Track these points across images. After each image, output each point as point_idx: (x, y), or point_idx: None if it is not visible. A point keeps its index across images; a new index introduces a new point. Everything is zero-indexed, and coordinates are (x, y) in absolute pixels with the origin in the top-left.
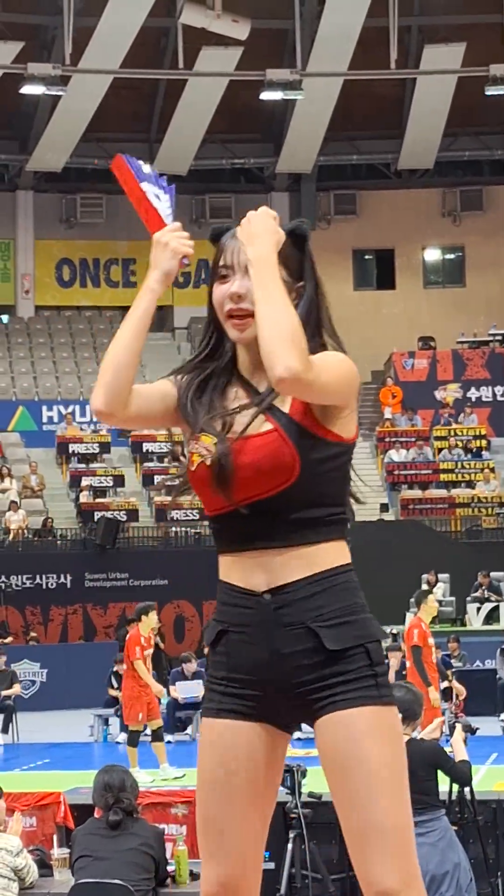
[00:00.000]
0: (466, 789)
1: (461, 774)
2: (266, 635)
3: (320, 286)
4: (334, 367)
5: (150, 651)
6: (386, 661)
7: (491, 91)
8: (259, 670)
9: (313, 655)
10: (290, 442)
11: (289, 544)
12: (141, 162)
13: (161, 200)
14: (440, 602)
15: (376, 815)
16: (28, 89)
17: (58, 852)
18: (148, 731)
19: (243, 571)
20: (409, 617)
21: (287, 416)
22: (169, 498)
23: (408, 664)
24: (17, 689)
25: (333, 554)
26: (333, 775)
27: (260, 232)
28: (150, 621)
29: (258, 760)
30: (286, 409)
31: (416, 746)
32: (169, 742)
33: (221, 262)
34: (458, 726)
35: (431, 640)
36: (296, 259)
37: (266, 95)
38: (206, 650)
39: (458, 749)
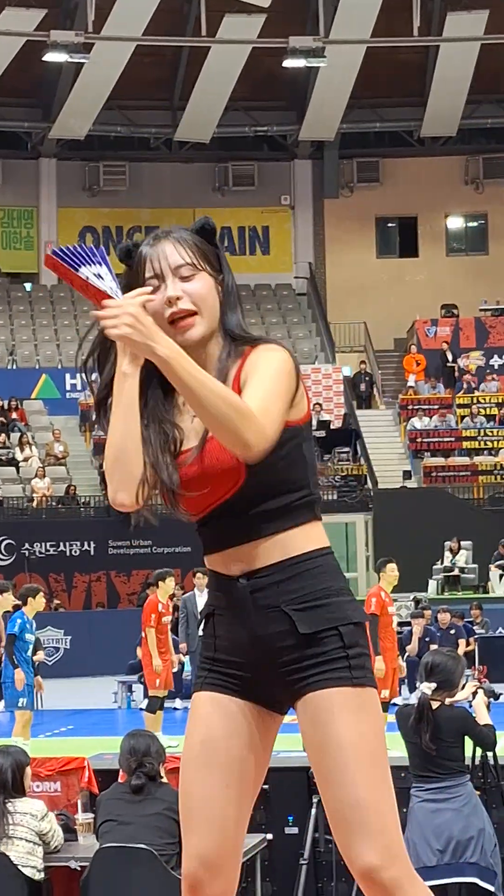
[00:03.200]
0: (490, 754)
1: (487, 738)
2: (244, 618)
3: (232, 275)
4: (275, 386)
5: (170, 618)
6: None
7: None
8: (240, 651)
9: (287, 638)
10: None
11: (259, 536)
12: (71, 247)
13: (103, 278)
14: (462, 569)
15: (350, 792)
16: (51, 57)
17: (82, 817)
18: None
19: (224, 562)
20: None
21: None
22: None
23: None
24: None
25: (306, 538)
26: (311, 756)
27: (152, 327)
28: (168, 587)
29: (242, 737)
30: None
31: (445, 713)
32: (187, 708)
33: (148, 275)
34: (481, 691)
35: (392, 609)
36: (212, 253)
37: (289, 63)
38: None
39: (480, 713)
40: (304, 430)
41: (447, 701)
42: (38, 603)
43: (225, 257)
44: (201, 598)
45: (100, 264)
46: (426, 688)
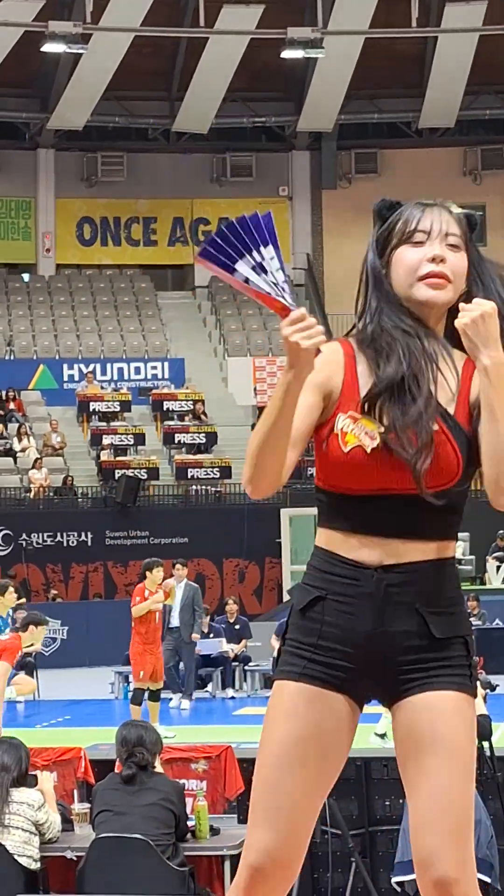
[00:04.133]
0: (486, 744)
1: (480, 728)
2: (372, 610)
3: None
4: None
5: (159, 606)
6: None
7: None
8: (357, 643)
9: (417, 638)
10: (457, 448)
11: (420, 538)
12: (226, 228)
13: (264, 268)
14: (459, 561)
15: (447, 798)
16: (49, 47)
17: (78, 807)
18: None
19: (359, 548)
20: None
21: (455, 422)
22: (189, 456)
23: None
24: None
25: (450, 548)
26: (411, 753)
27: (494, 334)
28: (156, 577)
29: (331, 731)
30: (452, 410)
31: None
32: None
33: (418, 227)
34: (478, 684)
35: None
36: (472, 244)
37: (287, 54)
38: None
39: (477, 707)
40: None
41: None
42: (7, 599)
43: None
44: (178, 590)
45: (265, 244)
46: None
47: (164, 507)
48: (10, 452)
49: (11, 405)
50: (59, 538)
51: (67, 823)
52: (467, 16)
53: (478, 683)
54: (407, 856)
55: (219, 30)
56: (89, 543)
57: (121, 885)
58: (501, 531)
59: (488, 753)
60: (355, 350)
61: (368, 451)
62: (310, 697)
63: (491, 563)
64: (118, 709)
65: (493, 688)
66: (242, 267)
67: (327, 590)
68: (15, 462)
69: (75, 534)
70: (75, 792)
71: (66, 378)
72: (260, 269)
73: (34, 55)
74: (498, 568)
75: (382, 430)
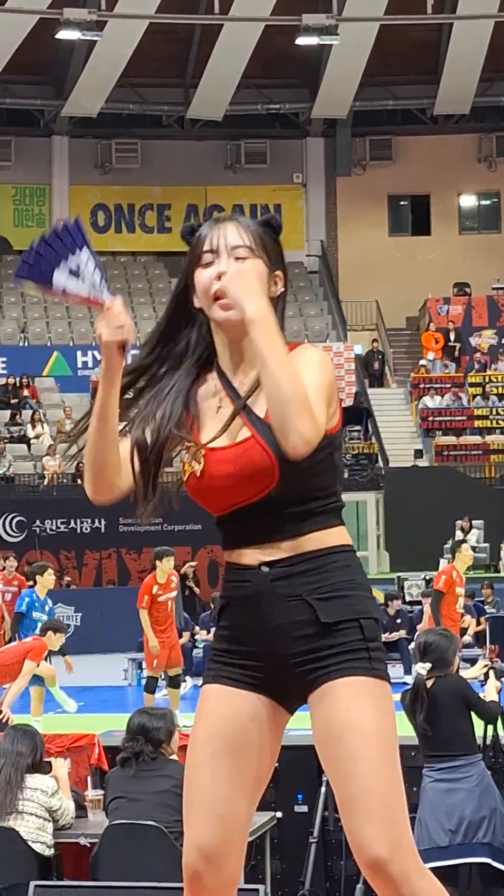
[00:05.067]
0: (502, 733)
1: (489, 711)
2: (263, 607)
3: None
4: (321, 387)
5: (171, 594)
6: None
7: None
8: (257, 641)
9: (307, 627)
10: (268, 449)
11: (283, 537)
12: (36, 244)
13: (79, 272)
14: (474, 548)
15: (362, 779)
16: (63, 34)
17: (92, 794)
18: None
19: (241, 555)
20: (443, 564)
21: (263, 423)
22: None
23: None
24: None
25: (330, 538)
26: (324, 744)
27: (257, 288)
28: (166, 567)
29: (252, 730)
30: (262, 412)
31: (441, 686)
32: (197, 686)
33: (206, 248)
34: (493, 672)
35: (460, 590)
36: (273, 248)
37: (302, 40)
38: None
39: (490, 693)
40: (336, 438)
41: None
42: (46, 580)
43: (283, 257)
44: None
45: (73, 249)
46: (421, 668)
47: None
48: (23, 439)
49: (25, 392)
50: (72, 525)
51: (81, 810)
52: (482, 2)
53: (484, 668)
54: (421, 845)
55: (233, 16)
56: (102, 530)
57: (134, 871)
58: None
59: (503, 742)
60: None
61: (198, 474)
62: (222, 697)
63: None
64: (132, 695)
65: None
66: (59, 277)
67: (230, 596)
68: (29, 449)
69: (89, 520)
70: (89, 779)
71: (80, 365)
72: (76, 274)
73: (49, 42)
74: None
75: (203, 451)
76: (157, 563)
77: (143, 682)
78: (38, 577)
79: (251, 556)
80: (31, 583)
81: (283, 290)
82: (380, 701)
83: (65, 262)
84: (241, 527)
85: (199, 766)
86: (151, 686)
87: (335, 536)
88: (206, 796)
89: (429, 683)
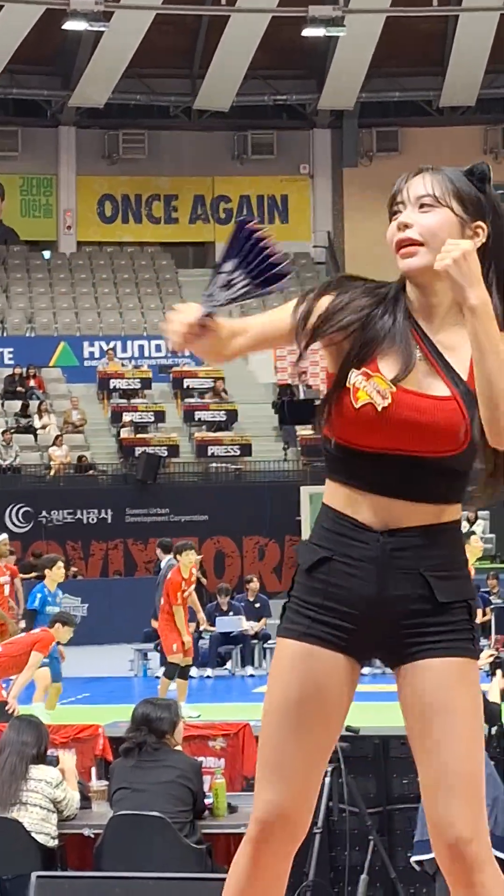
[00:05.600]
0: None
1: (489, 714)
2: (377, 573)
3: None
4: None
5: (191, 588)
6: None
7: None
8: (361, 605)
9: (420, 603)
10: (466, 415)
11: (424, 500)
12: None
13: (232, 283)
14: (480, 538)
15: (457, 761)
16: (70, 25)
17: (96, 784)
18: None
19: (365, 508)
20: None
21: (466, 386)
22: (210, 434)
23: None
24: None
25: (454, 512)
26: (419, 719)
27: (478, 273)
28: (188, 560)
29: (333, 691)
30: (465, 374)
31: None
32: (209, 677)
33: (394, 200)
34: (500, 672)
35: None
36: (473, 197)
37: (308, 32)
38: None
39: (492, 691)
40: None
41: None
42: (56, 574)
43: (497, 204)
44: None
45: (236, 257)
46: None
47: (184, 485)
48: (30, 429)
49: (32, 382)
50: (79, 515)
51: (85, 801)
52: None
53: (490, 657)
54: (426, 835)
55: (240, 8)
56: (109, 521)
57: (138, 862)
58: None
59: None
60: (377, 309)
61: (379, 409)
62: (311, 656)
63: None
64: (138, 686)
65: None
66: (226, 267)
67: (334, 551)
68: (35, 439)
69: (95, 511)
70: (93, 769)
71: (86, 355)
72: (225, 287)
73: (56, 33)
74: None
75: (395, 390)
76: (179, 557)
77: (158, 671)
78: (47, 571)
79: (373, 516)
80: (32, 575)
81: (486, 241)
82: (476, 684)
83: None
84: (388, 473)
85: (280, 728)
86: (172, 672)
87: (457, 511)
88: (284, 756)
89: None
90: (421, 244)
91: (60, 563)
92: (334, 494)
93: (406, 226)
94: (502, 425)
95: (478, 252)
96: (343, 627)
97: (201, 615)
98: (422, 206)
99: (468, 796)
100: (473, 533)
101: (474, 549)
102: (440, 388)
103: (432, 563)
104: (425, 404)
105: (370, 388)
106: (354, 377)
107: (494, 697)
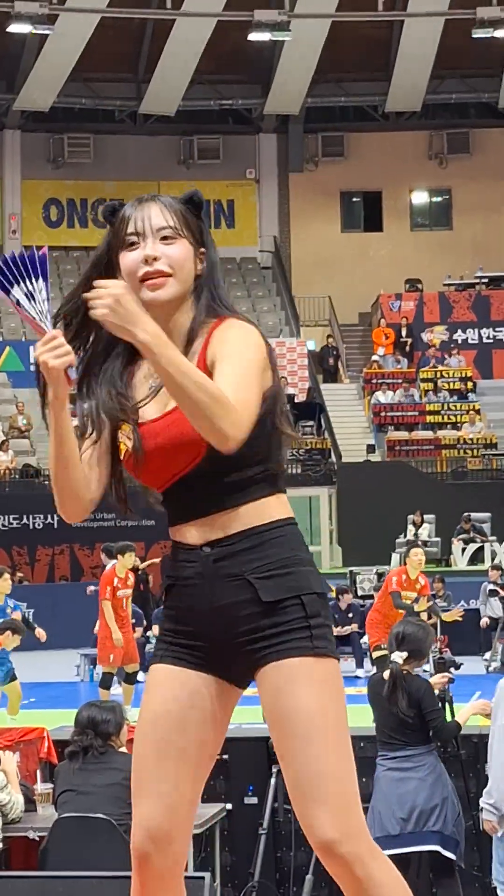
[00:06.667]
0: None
1: (445, 730)
2: (206, 587)
3: (215, 250)
4: (250, 367)
5: (128, 591)
6: (334, 613)
7: (478, 34)
8: (200, 622)
9: (250, 607)
10: None
11: (221, 508)
12: (8, 257)
13: (34, 297)
14: (425, 542)
15: (311, 764)
16: (15, 28)
17: (41, 787)
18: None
19: (186, 530)
20: (395, 558)
21: None
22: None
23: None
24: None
25: (269, 509)
26: (272, 727)
27: (136, 310)
28: (127, 562)
29: (199, 710)
30: None
31: (410, 680)
32: None
33: (130, 230)
34: (472, 706)
35: (408, 594)
36: (196, 225)
37: (254, 36)
38: None
39: (462, 713)
40: (270, 401)
41: (414, 670)
42: (2, 585)
43: (209, 233)
44: None
45: (36, 278)
46: (398, 657)
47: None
48: None
49: None
50: (24, 520)
51: (30, 804)
52: (433, 0)
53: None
54: (373, 833)
55: (186, 12)
56: (55, 526)
57: (84, 864)
58: (466, 513)
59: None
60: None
61: (131, 451)
62: (167, 676)
63: (456, 545)
64: (84, 691)
65: (457, 666)
66: (17, 291)
67: (174, 577)
68: None
69: (41, 516)
70: (38, 772)
71: (32, 360)
72: (30, 297)
73: (0, 36)
74: (463, 550)
75: (137, 427)
76: (119, 557)
77: (98, 678)
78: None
79: (194, 535)
80: None
81: (210, 265)
82: (322, 681)
83: (25, 282)
84: (179, 502)
85: (147, 746)
86: (107, 682)
87: (274, 508)
88: (152, 777)
89: (404, 673)
90: (170, 275)
91: (7, 576)
92: (170, 528)
93: (154, 259)
94: (217, 436)
95: (197, 279)
96: (194, 646)
97: (117, 633)
98: (164, 238)
99: (325, 797)
100: (416, 545)
101: (413, 563)
102: (170, 404)
103: (257, 566)
104: (160, 426)
105: (122, 436)
106: (119, 436)
107: (460, 719)
